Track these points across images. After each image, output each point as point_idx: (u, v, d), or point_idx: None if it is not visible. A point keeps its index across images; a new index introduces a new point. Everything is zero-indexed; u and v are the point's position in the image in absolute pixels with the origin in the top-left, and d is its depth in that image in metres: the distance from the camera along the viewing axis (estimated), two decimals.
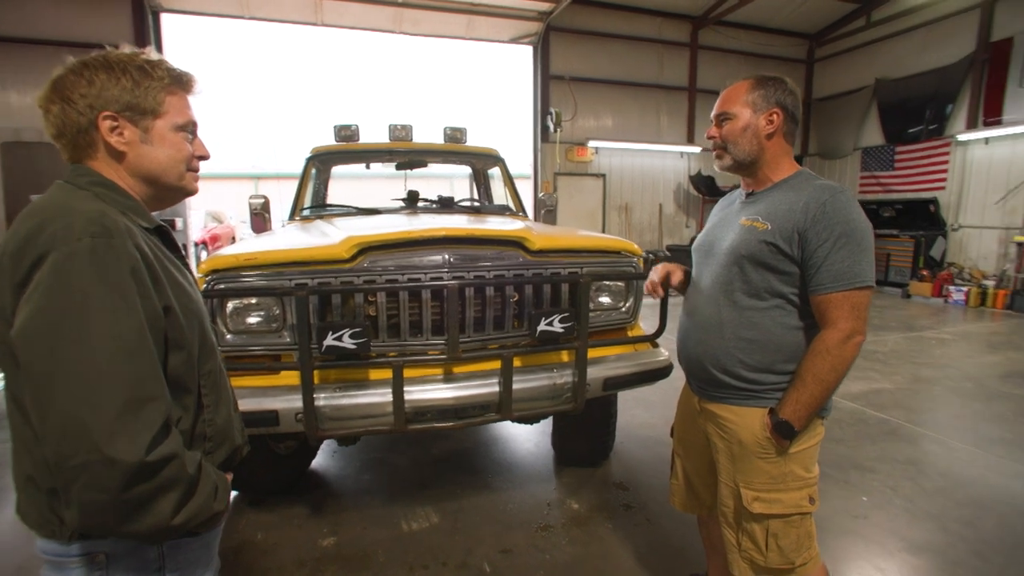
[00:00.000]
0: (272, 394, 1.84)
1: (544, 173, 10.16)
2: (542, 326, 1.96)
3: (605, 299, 2.33)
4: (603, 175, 10.74)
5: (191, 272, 1.01)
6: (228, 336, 1.89)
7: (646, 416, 3.55)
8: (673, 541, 2.21)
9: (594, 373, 2.10)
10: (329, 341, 1.76)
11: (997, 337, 6.17)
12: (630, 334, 2.39)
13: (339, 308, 1.90)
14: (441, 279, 1.93)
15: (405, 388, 1.85)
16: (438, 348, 1.99)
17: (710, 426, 1.43)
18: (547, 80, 9.81)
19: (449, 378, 1.99)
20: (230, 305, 1.90)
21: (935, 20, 9.39)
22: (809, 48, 11.74)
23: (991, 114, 8.71)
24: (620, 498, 2.53)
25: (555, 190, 10.08)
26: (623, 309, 2.34)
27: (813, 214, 1.21)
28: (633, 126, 10.71)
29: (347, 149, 3.75)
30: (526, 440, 3.17)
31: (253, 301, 1.92)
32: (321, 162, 3.86)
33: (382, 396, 1.87)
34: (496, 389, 1.97)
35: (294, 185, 3.70)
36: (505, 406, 1.97)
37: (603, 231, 10.61)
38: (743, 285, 1.31)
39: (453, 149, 3.85)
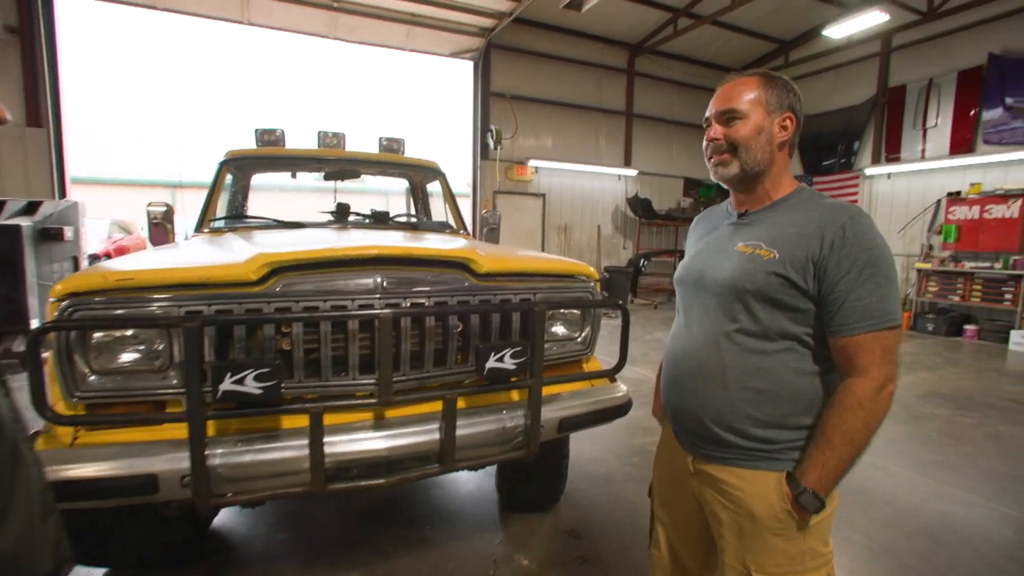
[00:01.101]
0: (149, 452, 1.44)
1: (483, 191, 9.99)
2: (491, 362, 1.70)
3: (559, 328, 2.10)
4: (543, 195, 10.73)
5: None
6: (92, 378, 1.48)
7: (594, 450, 3.34)
8: None
9: (548, 414, 1.85)
10: (227, 385, 1.39)
11: (908, 357, 6.58)
12: (586, 367, 2.17)
13: (243, 342, 1.54)
14: (372, 307, 1.62)
15: (325, 439, 1.51)
16: (367, 389, 1.67)
17: (708, 492, 1.19)
18: (487, 97, 9.71)
19: (380, 424, 1.67)
20: (95, 338, 1.49)
21: (843, 64, 10.24)
22: None
23: (891, 151, 9.56)
24: (574, 549, 2.28)
25: (494, 208, 9.92)
26: (578, 340, 2.12)
27: (831, 240, 1.02)
28: (573, 147, 10.82)
29: (268, 155, 3.34)
30: (467, 482, 2.86)
31: (128, 333, 1.52)
32: (238, 168, 3.41)
33: (296, 450, 1.52)
34: (436, 436, 1.68)
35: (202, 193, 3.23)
36: (447, 456, 1.67)
37: (543, 251, 10.55)
38: (748, 325, 1.10)
39: (390, 160, 3.54)
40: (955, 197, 8.52)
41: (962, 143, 8.65)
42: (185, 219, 3.59)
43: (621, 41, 10.80)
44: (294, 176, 3.94)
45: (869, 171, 9.65)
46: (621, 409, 2.07)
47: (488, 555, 2.22)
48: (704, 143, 1.22)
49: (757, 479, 1.10)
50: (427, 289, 1.72)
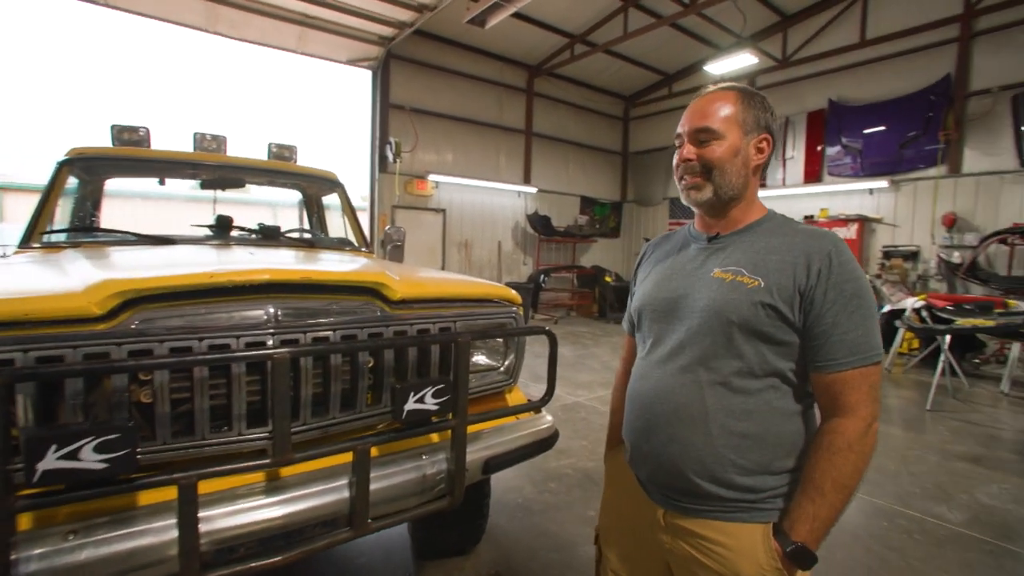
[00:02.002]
0: None
1: (382, 205, 9.56)
2: (411, 403, 1.47)
3: (481, 358, 1.93)
4: (443, 210, 10.53)
5: None
6: None
7: (507, 477, 3.18)
8: None
9: (472, 455, 1.66)
10: (51, 462, 1.03)
11: None
12: (509, 398, 2.02)
13: (80, 398, 1.17)
14: (264, 344, 1.34)
15: (201, 513, 1.20)
16: (257, 445, 1.37)
17: (683, 548, 1.06)
18: (387, 108, 9.35)
19: (274, 487, 1.37)
20: None
21: None
22: (625, 107, 13.27)
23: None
24: None
25: (392, 223, 9.53)
26: (501, 370, 1.97)
27: (819, 269, 0.95)
28: (474, 163, 10.77)
29: (128, 156, 2.81)
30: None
31: None
32: (86, 170, 2.83)
33: (159, 533, 1.18)
34: (346, 494, 1.42)
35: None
36: (360, 516, 1.42)
37: (443, 268, 10.33)
38: (732, 360, 1.00)
39: (282, 169, 3.16)
40: (810, 219, 9.75)
41: (813, 174, 9.95)
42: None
43: (521, 61, 11.02)
44: (162, 183, 3.38)
45: None
46: (548, 442, 1.94)
47: None
48: (675, 162, 1.12)
49: (742, 534, 0.99)
50: (332, 321, 1.46)
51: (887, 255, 8.82)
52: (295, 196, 4.16)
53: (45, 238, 2.42)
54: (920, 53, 8.54)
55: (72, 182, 2.82)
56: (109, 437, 1.07)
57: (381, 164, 9.39)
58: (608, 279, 11.40)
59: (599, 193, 13.10)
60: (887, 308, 7.59)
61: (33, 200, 2.60)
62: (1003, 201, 7.81)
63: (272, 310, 1.37)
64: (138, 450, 1.12)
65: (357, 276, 1.57)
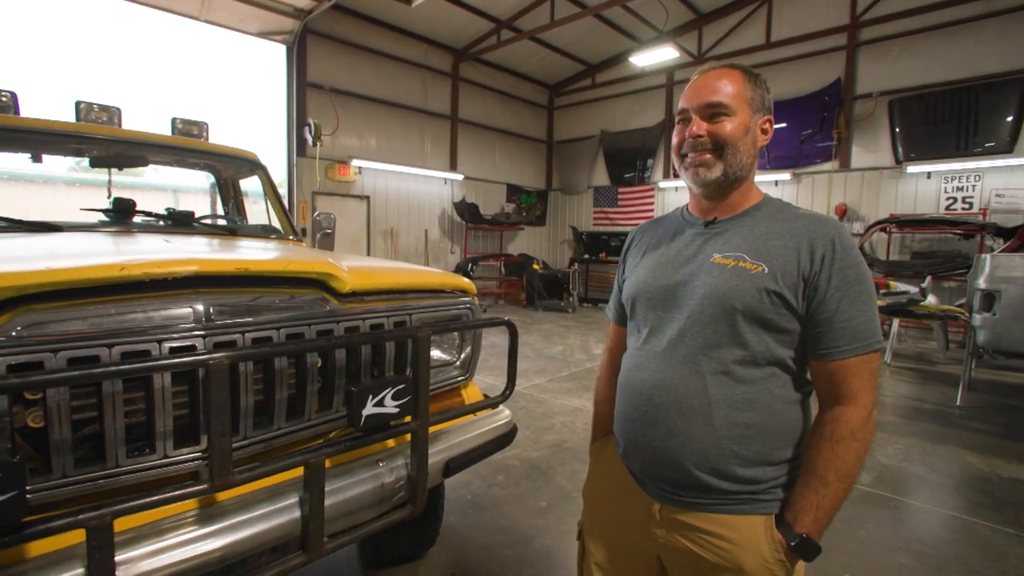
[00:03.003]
0: None
1: (301, 191, 8.94)
2: (369, 408, 1.33)
3: (436, 353, 1.80)
4: (367, 197, 10.05)
5: None
6: None
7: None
8: None
9: (432, 457, 1.55)
10: None
11: None
12: (464, 394, 1.91)
13: None
14: (193, 348, 1.13)
15: (120, 556, 0.99)
16: (187, 468, 1.16)
17: (679, 540, 1.02)
18: (304, 87, 8.70)
19: (209, 514, 1.17)
20: None
21: (639, 91, 11.71)
22: (550, 96, 13.35)
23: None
24: None
25: (314, 211, 8.96)
26: (457, 364, 1.85)
27: (823, 255, 0.93)
28: (398, 148, 10.36)
29: None
30: None
31: None
32: None
33: None
34: (296, 514, 1.25)
35: None
36: (314, 538, 1.26)
37: (368, 256, 9.89)
38: (736, 349, 0.96)
39: (194, 147, 2.78)
40: None
41: None
42: None
43: (447, 45, 10.70)
44: (38, 160, 2.87)
45: (662, 184, 11.21)
46: (508, 437, 1.87)
47: None
48: (676, 140, 1.06)
49: (743, 526, 0.96)
50: (275, 318, 1.27)
51: None
52: (201, 179, 3.72)
53: None
54: (816, 57, 9.31)
55: None
56: None
57: (299, 147, 8.75)
58: (536, 266, 11.49)
59: (525, 181, 13.13)
60: None
61: None
62: (882, 194, 8.77)
63: (201, 307, 1.17)
64: (27, 489, 0.90)
65: (301, 266, 1.38)
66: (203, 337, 1.14)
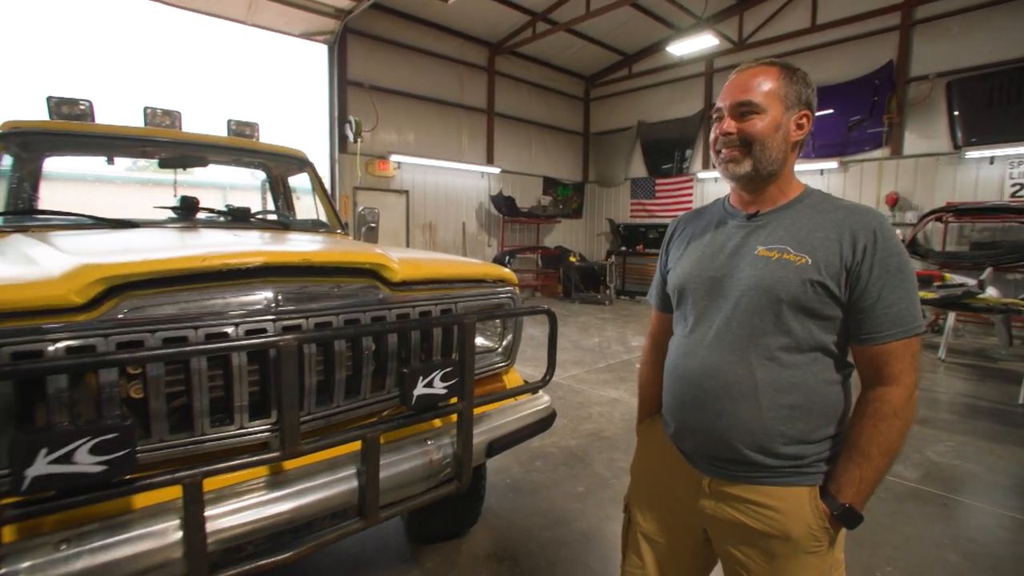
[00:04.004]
0: None
1: (343, 186, 9.23)
2: (419, 388, 1.43)
3: (480, 340, 1.89)
4: (406, 191, 10.28)
5: None
6: None
7: (497, 458, 3.16)
8: None
9: (476, 437, 1.64)
10: (41, 467, 0.93)
11: None
12: (506, 379, 2.00)
13: (65, 396, 1.07)
14: (265, 331, 1.25)
15: (206, 512, 1.13)
16: (260, 439, 1.30)
17: (727, 511, 1.09)
18: (344, 85, 8.96)
19: (278, 481, 1.30)
20: None
21: (678, 80, 11.48)
22: (586, 88, 13.25)
23: None
24: (500, 574, 2.10)
25: (355, 206, 9.24)
26: (499, 351, 1.94)
27: (864, 245, 0.97)
28: (436, 143, 10.53)
29: (72, 131, 2.56)
30: None
31: None
32: (23, 146, 2.56)
33: (160, 536, 1.10)
34: (354, 484, 1.37)
35: None
36: (370, 506, 1.38)
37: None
38: (781, 337, 1.01)
39: (248, 147, 2.97)
40: None
41: None
42: None
43: (482, 39, 10.78)
44: (111, 162, 3.12)
45: (701, 175, 10.98)
46: (547, 421, 1.95)
47: None
48: (712, 136, 1.11)
49: (790, 496, 1.03)
50: (334, 304, 1.39)
51: None
52: (248, 176, 3.94)
53: None
54: (866, 39, 8.90)
55: (7, 160, 2.56)
56: (106, 437, 0.98)
57: (341, 144, 9.03)
58: (573, 259, 11.48)
59: (562, 174, 13.11)
60: None
61: None
62: (939, 181, 8.34)
63: (270, 295, 1.29)
64: (136, 451, 1.04)
65: (357, 257, 1.49)
66: (273, 321, 1.27)
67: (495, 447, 1.73)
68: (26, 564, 0.97)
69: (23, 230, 2.10)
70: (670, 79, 11.55)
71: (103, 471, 0.98)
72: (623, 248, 12.13)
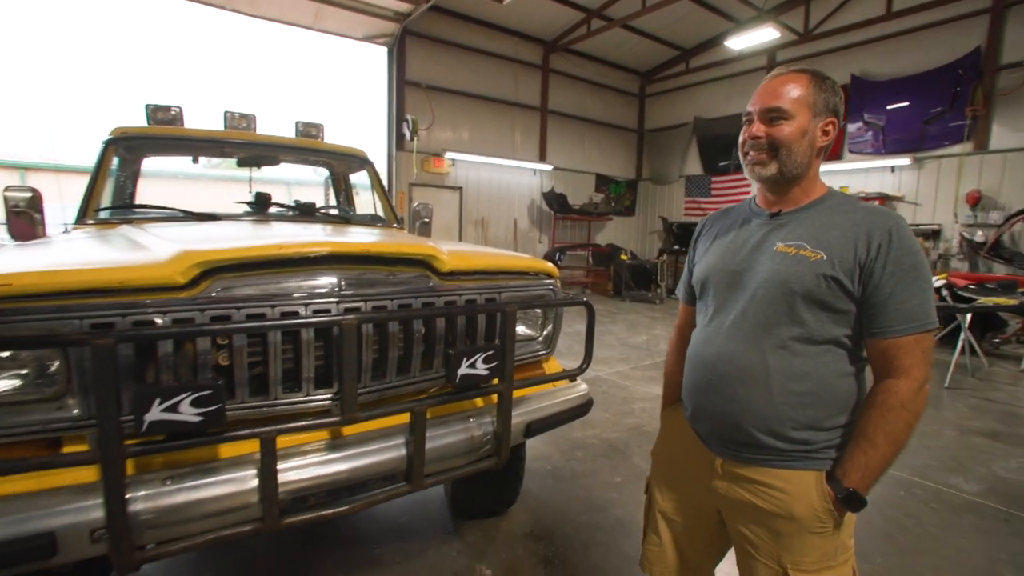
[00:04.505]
0: (42, 504, 1.14)
1: (399, 183, 9.61)
2: (463, 368, 1.57)
3: (521, 328, 2.01)
4: (460, 188, 10.55)
5: None
6: None
7: (535, 446, 3.30)
8: None
9: (515, 418, 1.76)
10: (156, 414, 1.14)
11: None
12: (546, 366, 2.11)
13: (169, 359, 1.28)
14: (329, 311, 1.43)
15: (278, 466, 1.31)
16: (322, 406, 1.47)
17: (738, 492, 1.16)
18: (402, 85, 9.32)
19: (337, 444, 1.48)
20: None
21: (736, 74, 11.13)
22: (641, 84, 13.08)
23: None
24: (535, 552, 2.22)
25: (410, 201, 9.59)
26: (540, 339, 2.05)
27: (879, 244, 1.02)
28: (489, 140, 10.74)
29: (167, 135, 2.89)
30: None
31: (5, 355, 1.20)
32: (127, 149, 2.92)
33: (240, 483, 1.30)
34: (403, 452, 1.53)
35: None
36: (416, 473, 1.53)
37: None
38: (794, 328, 1.08)
39: (313, 147, 3.23)
40: None
41: (833, 151, 9.79)
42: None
43: (537, 37, 10.88)
44: (196, 161, 3.48)
45: None
46: (583, 408, 2.04)
47: (447, 569, 2.10)
48: (742, 138, 1.18)
49: (797, 479, 1.09)
50: (390, 290, 1.55)
51: None
52: (309, 173, 4.23)
53: (97, 214, 2.52)
54: (949, 25, 8.30)
55: (115, 162, 2.92)
56: (203, 393, 1.18)
57: (398, 142, 9.41)
58: (624, 257, 11.40)
59: (615, 171, 13.01)
60: None
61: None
62: None
63: (334, 280, 1.46)
64: (226, 407, 1.23)
65: (411, 249, 1.65)
66: (336, 303, 1.44)
67: (533, 428, 1.85)
68: (142, 492, 1.19)
69: (128, 221, 2.41)
70: (729, 73, 11.20)
71: (200, 421, 1.18)
72: (676, 247, 11.91)
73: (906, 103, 8.65)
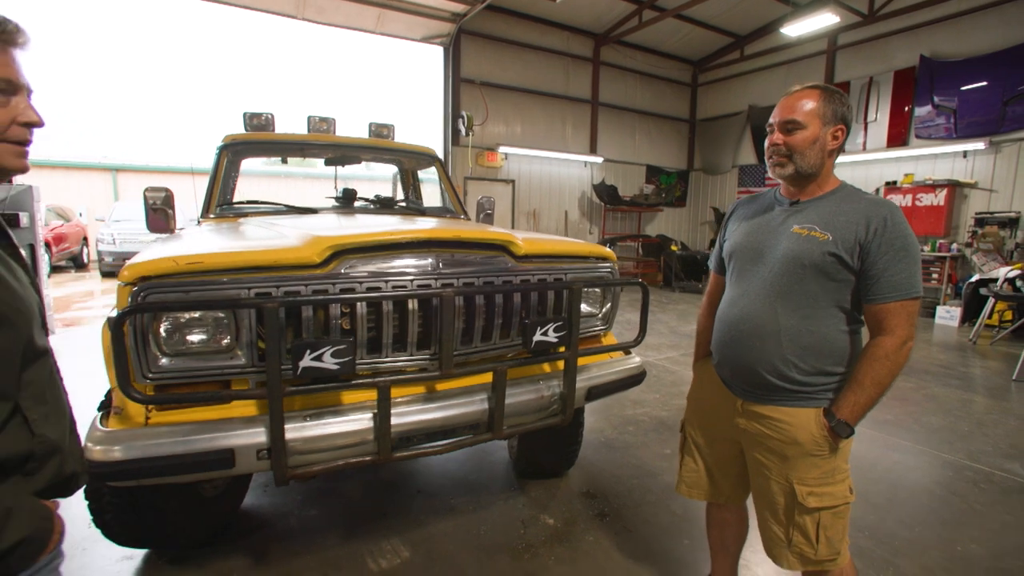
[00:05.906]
0: (225, 428, 1.51)
1: (455, 177, 10.00)
2: (537, 336, 1.85)
3: (584, 306, 2.27)
4: (512, 181, 10.85)
5: (24, 266, 0.91)
6: (163, 360, 1.52)
7: (590, 421, 3.56)
8: (656, 547, 2.21)
9: (579, 383, 2.03)
10: (307, 362, 1.48)
11: None
12: (604, 340, 2.37)
13: (308, 322, 1.62)
14: (429, 286, 1.74)
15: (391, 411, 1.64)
16: (421, 364, 1.79)
17: (755, 426, 1.45)
18: (458, 83, 9.68)
19: (433, 397, 1.80)
20: (165, 322, 1.54)
21: (793, 60, 10.82)
22: (693, 73, 12.90)
23: None
24: (592, 507, 2.49)
25: (465, 194, 9.97)
26: (600, 316, 2.31)
27: (876, 228, 1.27)
28: (541, 134, 10.96)
29: (267, 140, 3.32)
30: (481, 456, 3.02)
31: (195, 315, 1.57)
32: (234, 153, 3.36)
33: (362, 422, 1.64)
34: (486, 406, 1.83)
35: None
36: (497, 424, 1.83)
37: None
38: (803, 294, 1.35)
39: (389, 146, 3.59)
40: (892, 186, 9.28)
41: (897, 137, 9.40)
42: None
43: (587, 30, 10.97)
44: (285, 161, 3.92)
45: None
46: (638, 378, 2.28)
47: (515, 517, 2.40)
48: (766, 145, 1.41)
49: (800, 414, 1.37)
50: (475, 270, 1.84)
51: (980, 222, 8.31)
52: (378, 169, 4.60)
53: (218, 210, 2.96)
54: None
55: (225, 164, 3.37)
56: (340, 347, 1.51)
57: (454, 137, 9.80)
58: (674, 248, 11.38)
59: (665, 162, 12.94)
60: (975, 277, 7.24)
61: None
62: None
63: (432, 260, 1.77)
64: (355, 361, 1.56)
65: (493, 235, 1.94)
66: (435, 279, 1.74)
67: (594, 392, 2.11)
68: (290, 425, 1.54)
69: (243, 215, 2.83)
70: (787, 59, 10.91)
71: (338, 369, 1.51)
72: None
73: (984, 83, 8.20)
